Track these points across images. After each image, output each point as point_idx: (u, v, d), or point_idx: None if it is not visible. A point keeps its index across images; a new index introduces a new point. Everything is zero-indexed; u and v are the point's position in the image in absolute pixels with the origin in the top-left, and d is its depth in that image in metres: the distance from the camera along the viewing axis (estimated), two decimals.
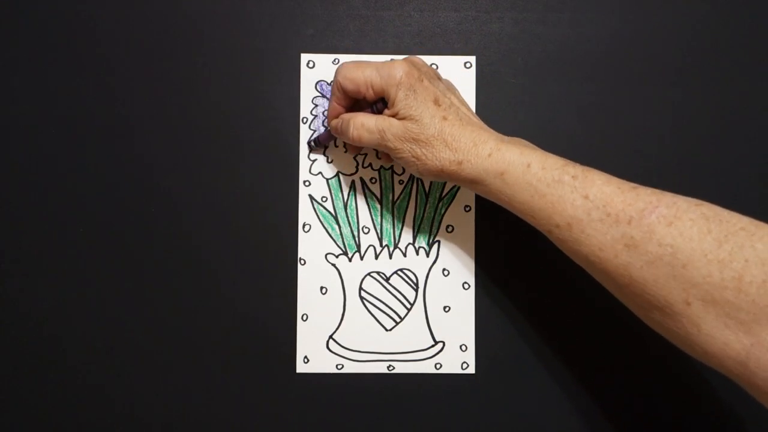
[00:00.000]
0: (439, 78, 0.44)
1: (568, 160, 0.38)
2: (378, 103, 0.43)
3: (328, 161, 0.49)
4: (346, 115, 0.44)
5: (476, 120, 0.42)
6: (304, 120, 0.49)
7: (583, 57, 0.49)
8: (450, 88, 0.44)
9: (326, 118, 0.47)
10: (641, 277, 0.34)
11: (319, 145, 0.48)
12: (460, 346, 0.49)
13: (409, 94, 0.40)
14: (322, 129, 0.49)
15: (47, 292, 0.48)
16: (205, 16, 0.49)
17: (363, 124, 0.42)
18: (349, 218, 0.49)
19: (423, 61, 0.44)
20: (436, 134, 0.40)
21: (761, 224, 0.33)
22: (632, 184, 0.36)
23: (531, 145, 0.41)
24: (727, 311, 0.32)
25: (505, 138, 0.41)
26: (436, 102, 0.40)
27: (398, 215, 0.49)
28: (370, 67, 0.42)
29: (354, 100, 0.44)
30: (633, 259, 0.34)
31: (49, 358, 0.48)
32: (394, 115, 0.41)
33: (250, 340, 0.48)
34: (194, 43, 0.49)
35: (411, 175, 0.49)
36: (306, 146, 0.49)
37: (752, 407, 0.48)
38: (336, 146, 0.49)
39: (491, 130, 0.41)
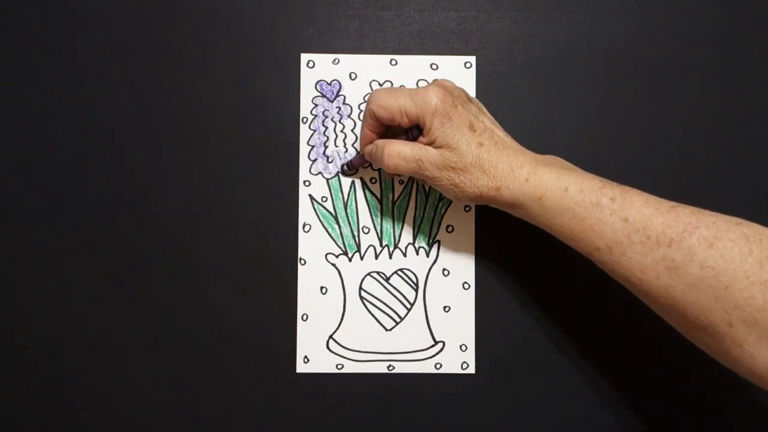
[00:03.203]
0: (470, 100, 0.43)
1: (606, 181, 0.38)
2: (413, 130, 0.42)
3: (328, 161, 0.49)
4: (380, 142, 0.43)
5: (510, 141, 0.42)
6: (304, 120, 0.49)
7: (583, 57, 0.49)
8: (480, 109, 0.44)
9: (359, 140, 0.47)
10: (683, 299, 0.34)
11: (351, 168, 0.48)
12: (460, 346, 0.48)
13: (445, 122, 0.40)
14: (335, 153, 0.48)
15: (47, 293, 0.48)
16: (205, 16, 0.49)
17: (399, 153, 0.41)
18: (349, 218, 0.49)
19: (454, 84, 0.43)
20: (474, 161, 0.39)
21: None
22: (671, 203, 0.36)
23: (567, 164, 0.41)
24: None
25: (540, 158, 0.40)
26: (471, 127, 0.40)
27: (398, 215, 0.49)
28: (404, 95, 0.41)
29: (387, 127, 0.44)
30: (674, 282, 0.34)
31: (49, 360, 0.48)
32: (430, 143, 0.41)
33: (250, 339, 0.48)
34: (194, 43, 0.49)
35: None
36: (307, 146, 0.49)
37: (760, 407, 0.48)
38: (372, 169, 0.49)
39: (527, 152, 0.41)
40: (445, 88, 0.41)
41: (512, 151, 0.40)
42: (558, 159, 0.42)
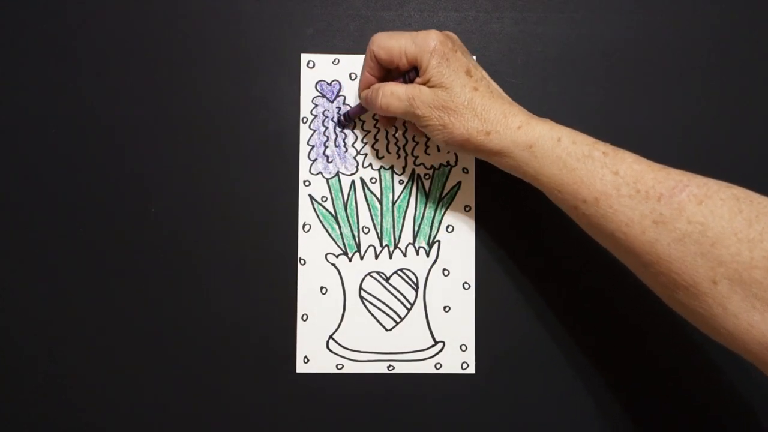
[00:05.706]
0: (471, 55, 0.44)
1: (598, 139, 0.38)
2: (410, 73, 0.42)
3: (328, 161, 0.49)
4: (377, 85, 0.44)
5: (505, 95, 0.42)
6: (304, 120, 0.49)
7: (583, 57, 0.49)
8: (480, 66, 0.44)
9: (353, 103, 0.47)
10: (668, 255, 0.34)
11: (349, 120, 0.48)
12: (460, 346, 0.48)
13: (442, 62, 0.40)
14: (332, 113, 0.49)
15: (47, 293, 0.48)
16: (205, 16, 0.49)
17: (393, 92, 0.42)
18: (349, 218, 0.49)
19: (457, 37, 0.43)
20: (466, 103, 0.40)
21: None
22: (662, 165, 0.36)
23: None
24: (755, 291, 0.31)
25: (535, 115, 0.40)
26: (468, 73, 0.40)
27: (398, 215, 0.49)
28: (405, 37, 0.42)
29: (386, 71, 0.44)
30: (661, 236, 0.34)
31: (49, 360, 0.48)
32: (425, 83, 0.41)
33: (250, 339, 0.48)
34: (194, 43, 0.49)
35: (411, 174, 0.49)
36: (307, 146, 0.49)
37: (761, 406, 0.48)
38: (362, 120, 0.49)
39: (520, 106, 0.41)
40: (447, 34, 0.42)
41: (506, 101, 0.41)
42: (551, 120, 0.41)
